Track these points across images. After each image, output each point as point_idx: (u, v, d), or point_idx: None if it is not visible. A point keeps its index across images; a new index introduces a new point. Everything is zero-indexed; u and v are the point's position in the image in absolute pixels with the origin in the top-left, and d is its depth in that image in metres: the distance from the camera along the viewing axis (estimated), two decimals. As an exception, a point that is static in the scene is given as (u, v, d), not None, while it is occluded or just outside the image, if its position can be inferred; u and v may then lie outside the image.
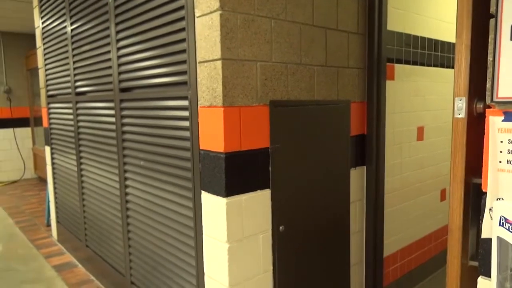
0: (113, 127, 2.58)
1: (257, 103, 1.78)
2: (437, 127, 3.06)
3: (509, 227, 0.61)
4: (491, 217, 0.94)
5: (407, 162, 2.77)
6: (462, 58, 1.09)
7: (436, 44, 2.92)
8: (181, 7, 1.81)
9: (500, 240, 0.65)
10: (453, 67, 3.11)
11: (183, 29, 1.82)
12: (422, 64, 2.81)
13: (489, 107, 0.96)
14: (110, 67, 2.51)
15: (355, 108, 2.28)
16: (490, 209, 0.94)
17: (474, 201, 1.15)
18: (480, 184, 1.06)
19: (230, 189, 1.71)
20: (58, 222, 4.00)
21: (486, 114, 0.95)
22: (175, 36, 1.88)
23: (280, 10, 1.82)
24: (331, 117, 2.14)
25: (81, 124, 3.14)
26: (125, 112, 2.43)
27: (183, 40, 1.83)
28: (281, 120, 1.88)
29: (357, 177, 2.36)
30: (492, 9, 0.91)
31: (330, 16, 2.07)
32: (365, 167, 2.40)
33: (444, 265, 3.24)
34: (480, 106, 1.12)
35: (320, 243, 2.17)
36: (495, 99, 0.92)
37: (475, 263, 1.14)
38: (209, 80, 1.70)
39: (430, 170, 3.02)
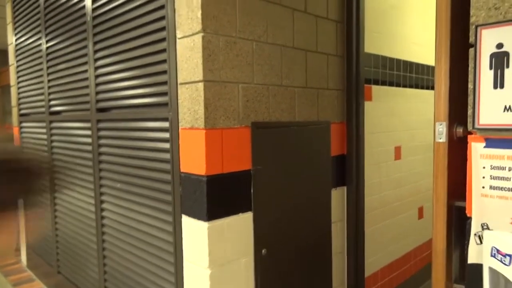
0: (89, 148, 2.51)
1: (239, 124, 1.77)
2: (414, 146, 3.12)
3: (501, 258, 0.61)
4: (476, 242, 0.95)
5: (385, 181, 2.80)
6: (442, 83, 1.12)
7: (410, 66, 3.01)
8: (163, 28, 1.79)
9: (492, 270, 0.65)
10: (427, 88, 3.22)
11: (164, 50, 1.80)
12: (398, 85, 2.89)
13: (470, 132, 0.98)
14: (87, 87, 2.45)
15: (335, 128, 2.30)
16: (475, 234, 0.95)
17: (457, 224, 1.16)
18: (463, 207, 1.08)
19: (212, 213, 1.67)
20: (28, 246, 3.82)
21: (468, 140, 0.97)
22: (156, 57, 1.86)
23: (261, 33, 1.84)
24: (312, 138, 2.15)
25: (55, 144, 3.04)
26: (102, 133, 2.37)
27: (164, 61, 1.81)
28: (262, 142, 1.87)
29: (338, 197, 2.36)
30: (471, 39, 0.94)
31: (310, 39, 2.10)
32: (345, 187, 2.41)
33: (424, 283, 3.26)
34: (460, 130, 1.14)
35: (302, 265, 2.14)
36: (476, 126, 0.94)
37: (460, 287, 1.14)
38: (190, 101, 1.68)
39: (407, 188, 3.07)
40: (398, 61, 2.86)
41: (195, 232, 1.71)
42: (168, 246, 1.91)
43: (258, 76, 1.83)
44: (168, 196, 1.88)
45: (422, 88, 3.19)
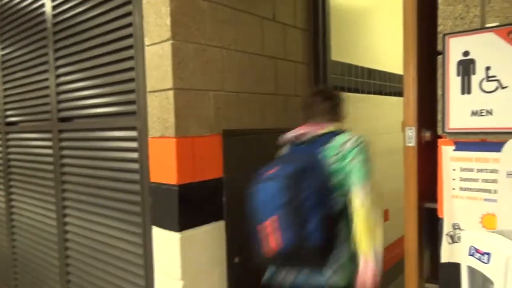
0: (50, 159, 2.39)
1: (210, 132, 1.75)
2: (379, 151, 3.21)
3: (479, 257, 0.64)
4: (448, 242, 0.99)
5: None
6: (410, 90, 1.16)
7: (375, 73, 3.11)
8: (130, 35, 1.75)
9: (470, 269, 0.68)
10: (391, 94, 3.34)
11: (131, 58, 1.76)
12: (363, 92, 2.97)
13: (439, 136, 1.03)
14: (47, 95, 2.34)
15: (304, 135, 2.33)
16: (447, 234, 0.99)
17: (428, 225, 1.20)
18: (433, 209, 1.12)
19: (184, 223, 1.64)
20: (-18, 266, 3.57)
21: (438, 144, 1.01)
22: (123, 64, 1.81)
23: (231, 41, 1.83)
24: (282, 145, 2.16)
25: (11, 156, 2.87)
26: (65, 144, 2.27)
27: (131, 69, 1.76)
28: (234, 149, 1.86)
29: (309, 203, 2.38)
30: (440, 47, 0.98)
31: (279, 47, 2.12)
32: (315, 192, 2.43)
33: (391, 283, 3.34)
34: (427, 135, 1.19)
35: (275, 273, 2.13)
36: (446, 130, 0.99)
37: (432, 286, 1.18)
38: (160, 110, 1.65)
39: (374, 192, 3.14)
40: (363, 68, 2.95)
41: (166, 243, 1.67)
42: (137, 259, 1.84)
43: (228, 84, 1.83)
44: (137, 207, 1.82)
45: (386, 94, 3.30)
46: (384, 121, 3.29)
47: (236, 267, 1.88)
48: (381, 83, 3.21)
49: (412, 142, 1.14)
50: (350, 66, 2.78)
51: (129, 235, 1.88)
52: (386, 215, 3.34)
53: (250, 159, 1.95)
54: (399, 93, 3.50)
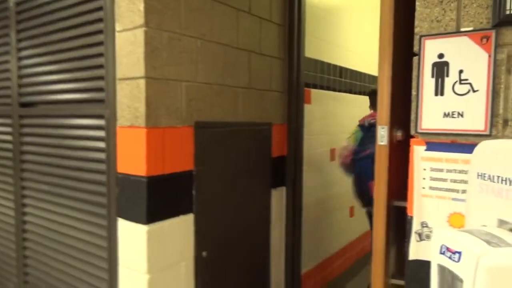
0: (9, 146, 2.27)
1: (182, 124, 1.71)
2: (347, 148, 3.27)
3: (450, 255, 0.66)
4: (416, 240, 1.01)
5: (322, 182, 2.90)
6: (384, 89, 1.18)
7: (345, 72, 3.16)
8: (99, 20, 1.68)
9: (440, 267, 0.70)
10: (359, 93, 3.41)
11: (101, 43, 1.68)
12: (334, 90, 3.01)
13: (411, 136, 1.05)
14: (8, 79, 2.21)
15: (276, 130, 2.33)
16: (415, 232, 1.02)
17: (395, 223, 1.23)
18: (401, 207, 1.14)
19: (151, 216, 1.60)
20: None
21: (410, 144, 1.03)
22: (92, 49, 1.73)
23: (206, 31, 1.80)
24: (254, 139, 2.16)
25: (-34, 141, 2.70)
26: (26, 130, 2.16)
27: (100, 55, 1.69)
28: (205, 142, 1.83)
29: (278, 197, 2.39)
30: (416, 48, 1.00)
31: (254, 40, 2.11)
32: (284, 187, 2.45)
33: (356, 276, 3.43)
34: (399, 134, 1.21)
35: (241, 267, 2.13)
36: (418, 130, 1.01)
37: (397, 282, 1.21)
38: (130, 98, 1.59)
39: (340, 189, 3.21)
40: (335, 66, 2.99)
41: (132, 236, 1.62)
42: (101, 251, 1.79)
43: (202, 75, 1.79)
44: (103, 198, 1.76)
45: (355, 93, 3.36)
46: (354, 119, 3.35)
47: (204, 261, 1.86)
48: (352, 82, 3.26)
49: (384, 141, 1.16)
50: (322, 63, 2.81)
51: (93, 227, 1.82)
52: (351, 211, 3.42)
53: (222, 152, 1.94)
54: (368, 93, 3.58)
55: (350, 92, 3.25)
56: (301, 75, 2.42)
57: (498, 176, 0.76)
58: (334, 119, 3.03)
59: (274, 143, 2.32)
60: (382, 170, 1.18)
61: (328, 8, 2.91)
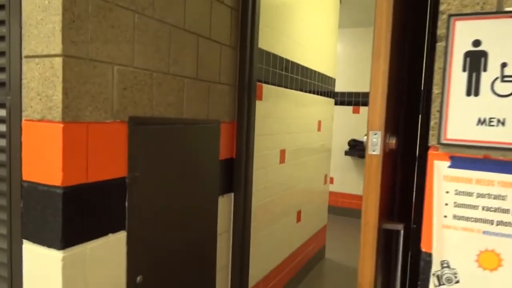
0: None
1: (112, 119, 1.35)
2: (295, 149, 3.07)
3: None
4: (435, 284, 0.79)
5: (271, 186, 2.66)
6: (379, 86, 0.94)
7: (297, 68, 2.95)
8: (0, -25, 1.25)
9: None
10: (309, 92, 3.22)
11: (1, 7, 1.26)
12: (285, 86, 2.78)
13: (428, 147, 0.82)
14: None
15: (224, 129, 2.04)
16: (433, 274, 0.79)
17: (383, 250, 1.01)
18: (389, 230, 0.92)
19: (69, 238, 1.22)
20: None
21: (429, 158, 0.80)
22: (-12, 15, 1.29)
23: (146, 4, 1.45)
24: (200, 139, 1.84)
25: None
26: None
27: (1, 23, 1.27)
28: (143, 142, 1.48)
29: (225, 205, 2.10)
30: (440, 32, 0.77)
31: (203, 22, 1.79)
32: (232, 194, 2.16)
33: (299, 285, 3.26)
34: (392, 142, 0.99)
35: (184, 286, 1.81)
36: (442, 141, 0.78)
37: (386, 323, 0.99)
38: (41, 83, 1.20)
39: (288, 193, 3.00)
40: (288, 61, 2.76)
41: (42, 265, 1.24)
42: (0, 282, 1.36)
43: (140, 58, 1.44)
44: (2, 213, 1.34)
45: (307, 91, 3.17)
46: (304, 119, 3.17)
47: (138, 288, 1.51)
48: (302, 79, 3.07)
49: (377, 150, 0.93)
50: (275, 56, 2.56)
51: (-12, 250, 1.39)
52: (299, 216, 3.23)
53: (162, 154, 1.60)
54: (317, 91, 3.42)
55: (301, 90, 3.05)
56: (254, 68, 2.14)
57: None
58: (284, 117, 2.81)
59: (222, 144, 2.02)
60: (372, 185, 0.95)
61: (281, -3, 2.67)
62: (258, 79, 2.32)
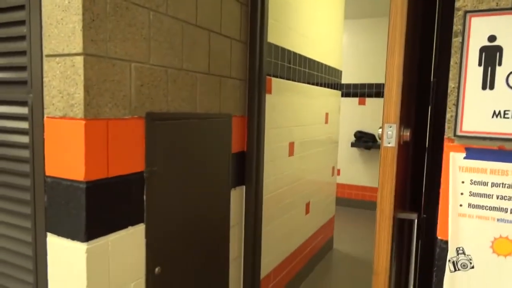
0: None
1: (131, 115, 1.39)
2: (304, 142, 3.11)
3: None
4: (450, 270, 0.83)
5: (280, 178, 2.70)
6: (394, 79, 0.97)
7: (305, 61, 2.97)
8: (20, -24, 1.28)
9: None
10: (317, 85, 3.24)
11: (22, 7, 1.29)
12: (294, 80, 2.80)
13: (441, 139, 0.85)
14: None
15: (236, 122, 2.07)
16: (449, 260, 0.83)
17: (398, 238, 1.04)
18: (406, 220, 0.95)
19: (92, 231, 1.27)
20: None
21: (444, 149, 0.84)
22: (9, 15, 1.33)
23: (160, 1, 1.47)
24: (212, 133, 1.88)
25: None
26: None
27: (21, 23, 1.30)
28: (159, 137, 1.52)
29: (237, 198, 2.14)
30: (456, 28, 0.79)
31: (214, 18, 1.81)
32: (244, 187, 2.20)
33: (307, 277, 3.31)
34: (406, 134, 1.02)
35: (198, 277, 1.86)
36: (458, 133, 0.81)
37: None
38: (63, 81, 1.23)
39: (297, 185, 3.04)
40: (295, 54, 2.78)
41: (67, 257, 1.28)
42: (26, 275, 1.42)
43: (155, 55, 1.47)
44: (26, 208, 1.38)
45: (314, 84, 3.19)
46: (311, 111, 3.19)
47: (157, 279, 1.56)
48: (310, 72, 3.09)
49: (392, 143, 0.96)
50: (283, 50, 2.58)
51: (15, 243, 1.44)
52: (307, 208, 3.28)
53: (178, 148, 1.64)
54: (324, 84, 3.44)
55: (309, 82, 3.07)
56: (264, 62, 2.17)
57: None
58: (293, 110, 2.83)
59: (234, 137, 2.06)
60: (388, 176, 0.98)
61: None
62: (267, 73, 2.34)
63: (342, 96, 4.15)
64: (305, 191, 3.20)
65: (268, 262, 2.60)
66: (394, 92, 0.97)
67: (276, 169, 2.62)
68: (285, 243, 2.87)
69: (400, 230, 1.11)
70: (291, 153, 2.85)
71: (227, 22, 1.91)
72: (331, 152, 3.84)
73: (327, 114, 3.58)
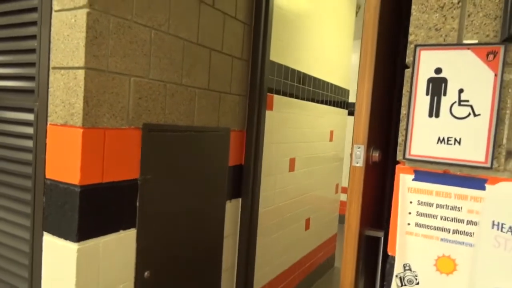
0: None
1: (128, 125, 1.48)
2: (306, 158, 3.16)
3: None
4: (397, 285, 0.87)
5: (279, 193, 2.75)
6: (363, 103, 1.03)
7: (309, 79, 3.04)
8: (34, -5, 1.41)
9: None
10: (321, 102, 3.31)
11: (34, 23, 1.42)
12: (297, 97, 2.88)
13: (395, 159, 0.91)
14: None
15: (234, 137, 2.15)
16: (396, 276, 0.88)
17: (365, 254, 1.09)
18: (373, 237, 1.00)
19: (84, 232, 1.35)
20: None
21: (396, 171, 0.89)
22: (22, 30, 1.46)
23: (162, 21, 1.58)
24: (210, 146, 1.96)
25: None
26: None
27: (32, 37, 1.43)
28: (155, 147, 1.61)
29: (232, 210, 2.21)
30: (408, 60, 0.86)
31: (216, 37, 1.91)
32: (240, 199, 2.27)
33: (305, 294, 3.32)
34: (375, 155, 1.07)
35: (189, 284, 1.92)
36: (407, 156, 0.87)
37: (365, 322, 1.07)
38: (65, 92, 1.34)
39: (297, 200, 3.08)
40: (299, 73, 2.86)
41: (60, 255, 1.37)
42: (21, 270, 1.51)
43: (155, 71, 1.57)
44: (27, 207, 1.48)
45: (317, 102, 3.25)
46: (315, 128, 3.25)
47: (146, 283, 1.63)
48: (314, 90, 3.16)
49: (359, 162, 1.02)
50: (286, 68, 2.66)
51: (13, 240, 1.54)
52: (307, 224, 3.31)
53: (173, 160, 1.72)
54: (329, 102, 3.50)
55: (312, 100, 3.14)
56: (265, 79, 2.25)
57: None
58: (295, 127, 2.90)
59: (232, 151, 2.14)
60: (355, 194, 1.04)
61: (296, 11, 2.78)
62: (269, 90, 2.43)
63: (349, 114, 4.19)
64: (305, 206, 3.24)
65: (264, 274, 2.63)
66: (363, 115, 1.03)
67: (275, 184, 2.67)
68: (282, 256, 2.90)
69: (370, 247, 1.15)
70: (291, 168, 2.91)
71: (229, 41, 2.01)
72: (336, 169, 3.87)
73: (331, 132, 3.63)
